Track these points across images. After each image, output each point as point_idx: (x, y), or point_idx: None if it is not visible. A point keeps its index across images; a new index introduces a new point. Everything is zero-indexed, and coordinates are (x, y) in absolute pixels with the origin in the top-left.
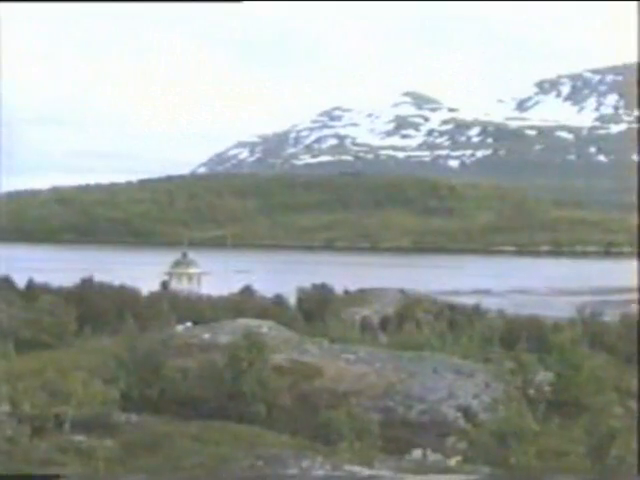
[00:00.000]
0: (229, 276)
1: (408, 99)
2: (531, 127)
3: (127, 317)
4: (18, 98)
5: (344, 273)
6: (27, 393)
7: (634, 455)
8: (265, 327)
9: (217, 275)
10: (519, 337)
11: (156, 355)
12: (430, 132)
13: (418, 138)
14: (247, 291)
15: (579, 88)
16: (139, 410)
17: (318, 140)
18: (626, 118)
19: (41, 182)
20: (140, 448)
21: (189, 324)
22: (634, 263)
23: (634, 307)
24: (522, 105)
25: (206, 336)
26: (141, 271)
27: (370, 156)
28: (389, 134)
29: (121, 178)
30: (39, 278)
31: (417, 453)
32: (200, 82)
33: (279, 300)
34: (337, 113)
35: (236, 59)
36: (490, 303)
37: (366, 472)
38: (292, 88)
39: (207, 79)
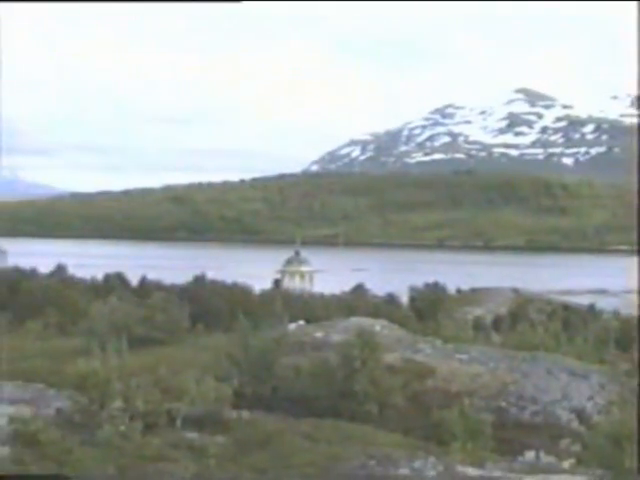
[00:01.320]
0: (342, 274)
1: (521, 96)
2: None
3: (240, 315)
4: (134, 97)
5: (456, 272)
6: (140, 389)
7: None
8: (378, 326)
9: (330, 273)
10: (635, 338)
11: (269, 353)
12: (544, 129)
13: (531, 135)
14: (359, 290)
15: None
16: (251, 408)
17: (430, 138)
18: None
19: (154, 180)
20: (251, 445)
21: (302, 322)
22: None
23: None
24: (637, 101)
25: (319, 335)
26: (253, 269)
27: (483, 154)
28: (502, 132)
29: (233, 176)
30: (152, 275)
31: (530, 455)
32: (313, 80)
33: (391, 299)
34: (450, 111)
35: (349, 58)
36: (605, 303)
37: (478, 473)
38: (405, 86)
39: (320, 78)
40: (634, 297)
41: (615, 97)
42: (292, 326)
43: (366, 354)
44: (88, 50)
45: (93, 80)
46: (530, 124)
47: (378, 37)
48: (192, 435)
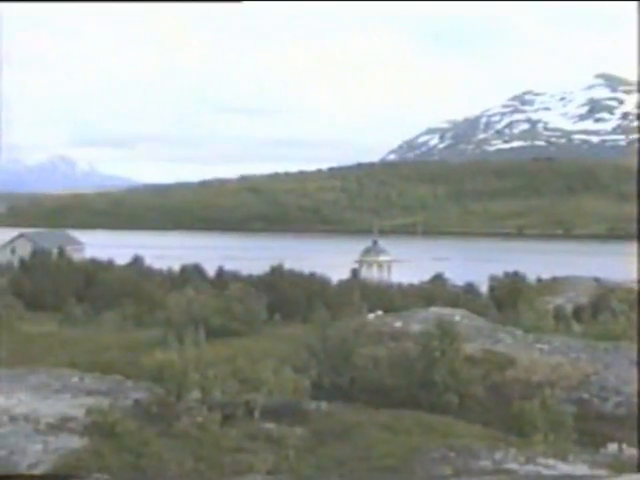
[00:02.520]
0: (421, 264)
1: (601, 81)
2: None
3: (318, 305)
4: (210, 88)
5: (536, 261)
6: (218, 380)
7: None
8: (457, 316)
9: (409, 263)
10: None
11: (347, 344)
12: (625, 115)
13: (612, 121)
14: (438, 279)
15: None
16: (330, 398)
17: (509, 125)
18: None
19: (231, 171)
20: (330, 436)
21: (380, 313)
22: None
23: None
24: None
25: (397, 324)
26: (331, 259)
27: (563, 141)
28: (582, 118)
29: (311, 166)
30: (229, 266)
31: (612, 447)
32: (390, 69)
33: (470, 288)
34: (529, 97)
35: (426, 45)
36: None
37: (560, 465)
38: (483, 72)
39: (397, 66)
40: None
41: None
42: (371, 316)
43: (446, 344)
44: (165, 43)
45: (170, 72)
46: (611, 110)
47: (456, 24)
48: (270, 426)
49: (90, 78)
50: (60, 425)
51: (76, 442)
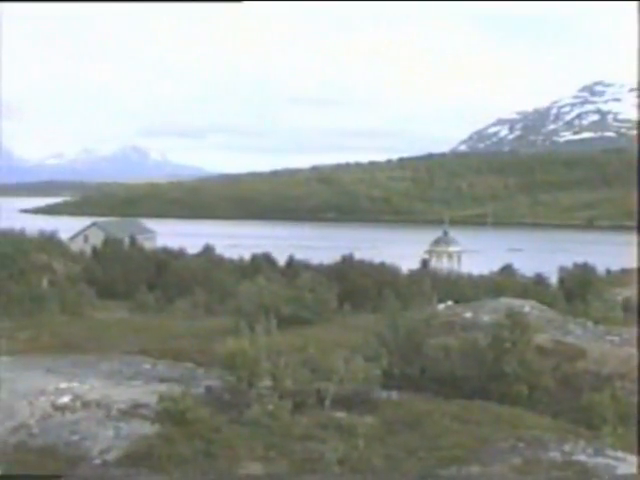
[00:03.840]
0: (492, 254)
1: None
2: None
3: (388, 295)
4: (280, 79)
5: (606, 252)
6: (288, 369)
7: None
8: (527, 306)
9: (480, 253)
10: None
11: (418, 333)
12: None
13: None
14: (507, 270)
15: None
16: (400, 388)
17: (579, 116)
18: None
19: (302, 161)
20: (400, 426)
21: (450, 303)
22: None
23: None
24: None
25: (468, 315)
26: (401, 249)
27: (633, 132)
28: None
29: (381, 156)
30: (299, 256)
31: None
32: (461, 59)
33: (540, 279)
34: (599, 88)
35: (496, 35)
36: None
37: (630, 458)
38: (552, 63)
39: (468, 56)
40: None
41: None
42: (441, 306)
43: (516, 335)
44: (238, 35)
45: (243, 63)
46: None
47: (526, 14)
48: (340, 415)
49: (163, 69)
50: (132, 411)
51: (147, 428)
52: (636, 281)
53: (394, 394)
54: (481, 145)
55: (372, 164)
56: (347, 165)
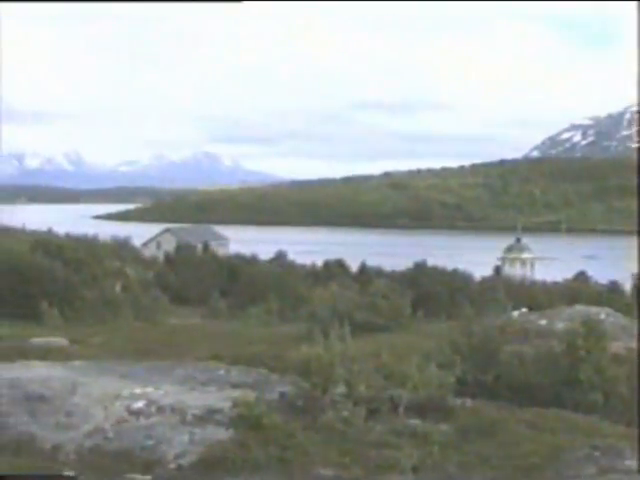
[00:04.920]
0: (566, 262)
1: None
2: None
3: (464, 302)
4: (352, 84)
5: None
6: (362, 375)
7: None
8: (602, 314)
9: (554, 261)
10: None
11: (492, 340)
12: None
13: None
14: (581, 277)
15: None
16: (474, 395)
17: None
18: None
19: (374, 167)
20: (474, 433)
21: (525, 310)
22: None
23: None
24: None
25: (542, 322)
26: (474, 256)
27: None
28: None
29: (453, 162)
30: (372, 262)
31: None
32: (533, 64)
33: (614, 286)
34: None
35: (568, 41)
36: None
37: None
38: (625, 68)
39: (540, 61)
40: None
41: None
42: (515, 313)
43: (591, 343)
44: (309, 41)
45: (312, 68)
46: None
47: (601, 20)
48: (415, 422)
49: (235, 75)
50: (206, 417)
51: (222, 434)
52: None
53: (468, 401)
54: (554, 151)
55: (444, 170)
56: (419, 171)
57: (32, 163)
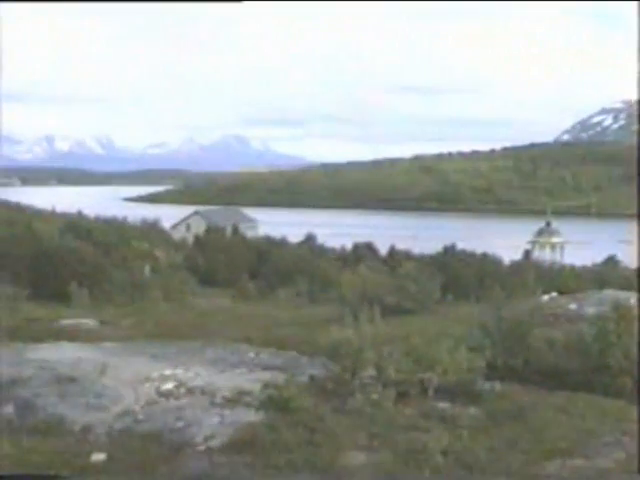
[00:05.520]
0: (596, 246)
1: None
2: None
3: (493, 286)
4: (381, 67)
5: None
6: (392, 358)
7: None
8: (632, 298)
9: (583, 245)
10: None
11: (522, 325)
12: None
13: None
14: (611, 262)
15: None
16: (503, 379)
17: None
18: None
19: (404, 150)
20: (504, 417)
21: (554, 294)
22: None
23: None
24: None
25: (572, 306)
26: (503, 239)
27: None
28: None
29: (483, 146)
30: (401, 245)
31: None
32: (565, 47)
33: None
34: None
35: (601, 23)
36: None
37: None
38: None
39: (571, 44)
40: None
41: None
42: (545, 298)
43: (622, 328)
44: (340, 23)
45: (344, 51)
46: None
47: (633, 2)
48: (444, 405)
49: (264, 58)
50: (236, 399)
51: (252, 416)
52: None
53: (497, 385)
54: (584, 135)
55: (475, 153)
56: (449, 155)
57: (62, 146)
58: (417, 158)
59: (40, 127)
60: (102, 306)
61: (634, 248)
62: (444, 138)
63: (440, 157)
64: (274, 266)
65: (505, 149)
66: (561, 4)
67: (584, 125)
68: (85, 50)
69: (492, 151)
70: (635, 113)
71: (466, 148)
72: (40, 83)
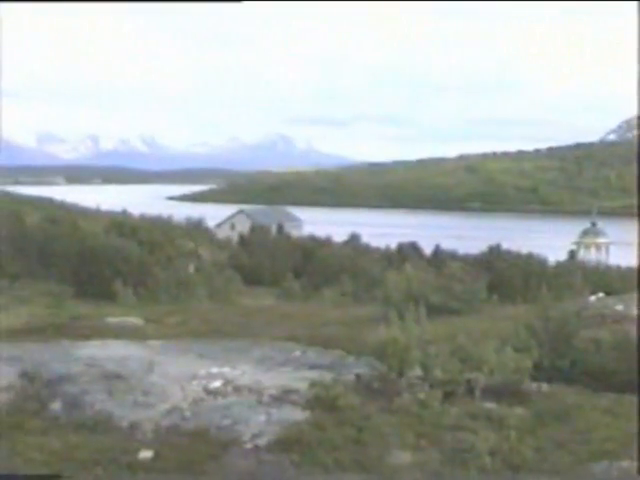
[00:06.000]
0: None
1: None
2: None
3: (539, 286)
4: (426, 67)
5: None
6: (439, 358)
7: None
8: None
9: (629, 245)
10: None
11: (569, 325)
12: None
13: None
14: None
15: None
16: (550, 380)
17: None
18: None
19: (448, 150)
20: (550, 418)
21: (601, 295)
22: None
23: None
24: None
25: (619, 307)
26: (548, 240)
27: None
28: None
29: (528, 146)
30: (446, 245)
31: None
32: (609, 47)
33: None
34: None
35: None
36: None
37: None
38: None
39: (616, 44)
40: None
41: None
42: (592, 298)
43: None
44: (378, 23)
45: (390, 51)
46: None
47: None
48: (491, 406)
49: (309, 58)
50: (283, 397)
51: (298, 414)
52: None
53: (544, 386)
54: (630, 135)
55: (520, 153)
56: (494, 154)
57: (107, 145)
58: (462, 158)
59: (85, 126)
60: (147, 304)
61: None
62: (490, 137)
63: (485, 157)
64: (319, 265)
65: (550, 149)
66: (606, 2)
67: (630, 125)
68: (129, 50)
69: (537, 151)
70: None
71: (511, 148)
72: (85, 82)
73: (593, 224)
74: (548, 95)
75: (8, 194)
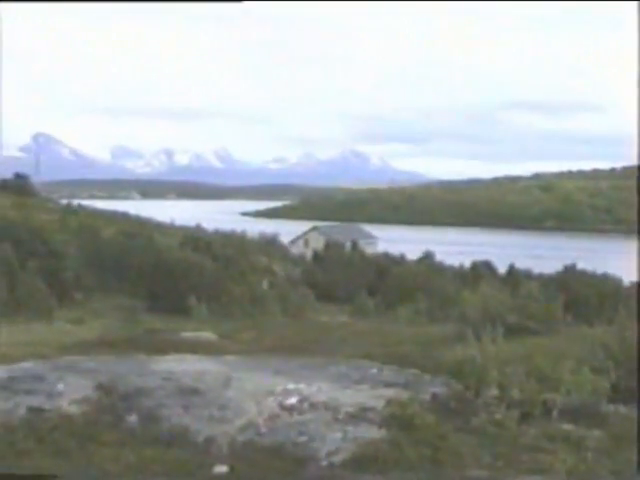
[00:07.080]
0: None
1: None
2: None
3: (614, 306)
4: (501, 84)
5: None
6: (515, 378)
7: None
8: None
9: None
10: None
11: None
12: None
13: None
14: None
15: None
16: (626, 402)
17: None
18: None
19: (523, 168)
20: (628, 441)
21: None
22: None
23: None
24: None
25: None
26: (624, 261)
27: None
28: None
29: (604, 164)
30: (520, 264)
31: None
32: None
33: None
34: None
35: None
36: None
37: None
38: None
39: None
40: None
41: None
42: None
43: None
44: (457, 39)
45: (461, 68)
46: None
47: None
48: (568, 427)
49: (384, 74)
50: (359, 415)
51: (374, 432)
52: None
53: (621, 408)
54: None
55: (595, 172)
56: (569, 173)
57: (181, 159)
58: (537, 176)
59: (159, 141)
60: (220, 319)
61: None
62: (565, 156)
63: (560, 175)
64: (393, 283)
65: (626, 168)
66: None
67: None
68: (204, 64)
69: (613, 169)
70: None
71: (587, 166)
72: (159, 97)
73: None
74: (625, 113)
75: (84, 208)
